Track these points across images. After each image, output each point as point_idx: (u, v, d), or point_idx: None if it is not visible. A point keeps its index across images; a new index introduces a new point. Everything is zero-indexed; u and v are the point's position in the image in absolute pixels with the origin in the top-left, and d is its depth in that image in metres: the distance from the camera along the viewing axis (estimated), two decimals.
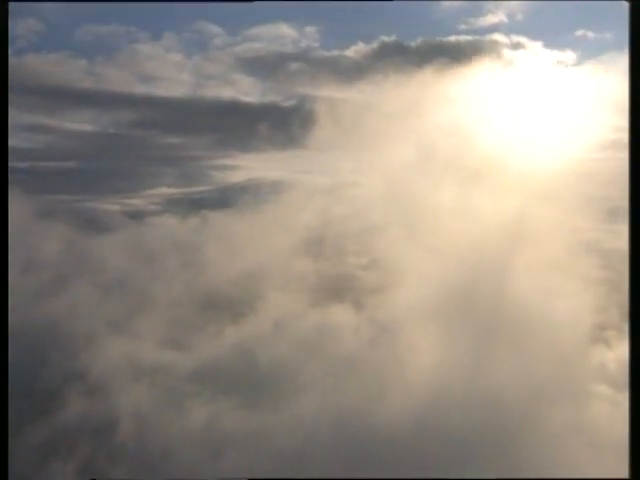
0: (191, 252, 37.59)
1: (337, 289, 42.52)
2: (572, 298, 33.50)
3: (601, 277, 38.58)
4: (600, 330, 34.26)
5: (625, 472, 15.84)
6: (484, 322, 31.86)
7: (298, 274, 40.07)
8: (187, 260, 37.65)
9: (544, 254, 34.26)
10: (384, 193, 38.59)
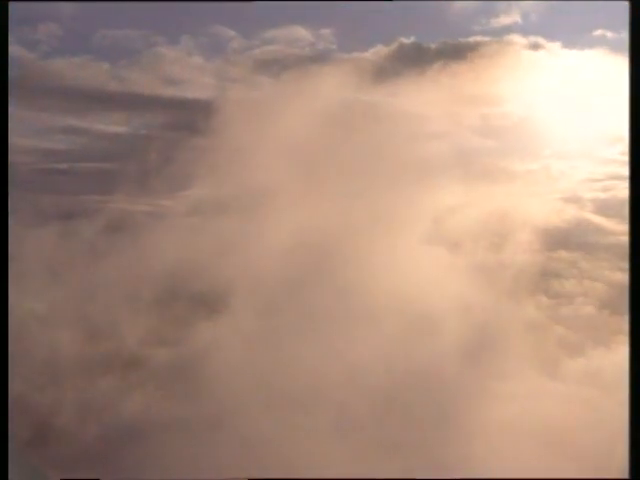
0: (199, 253, 36.88)
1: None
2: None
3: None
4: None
5: None
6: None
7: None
8: (190, 260, 37.05)
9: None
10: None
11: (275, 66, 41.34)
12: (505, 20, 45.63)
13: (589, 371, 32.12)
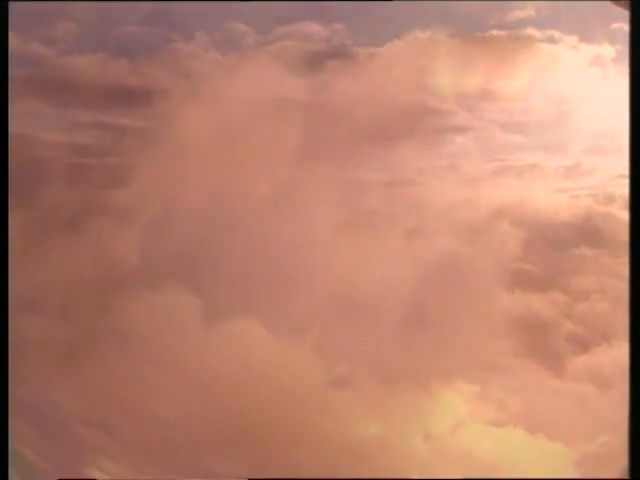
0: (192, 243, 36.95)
1: None
2: None
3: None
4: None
5: None
6: None
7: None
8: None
9: None
10: None
11: (291, 60, 40.86)
12: (519, 14, 44.58)
13: (591, 367, 31.58)
